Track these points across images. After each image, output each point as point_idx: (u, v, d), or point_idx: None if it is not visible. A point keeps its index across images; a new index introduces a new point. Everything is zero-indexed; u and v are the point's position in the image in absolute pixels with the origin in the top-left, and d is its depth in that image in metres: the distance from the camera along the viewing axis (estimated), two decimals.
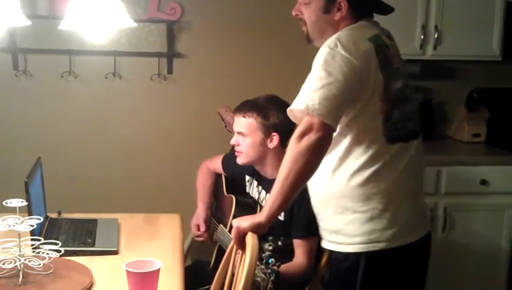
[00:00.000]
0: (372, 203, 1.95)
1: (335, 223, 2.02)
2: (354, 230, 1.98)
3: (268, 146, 2.49)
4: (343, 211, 1.99)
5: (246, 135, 2.51)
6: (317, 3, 2.01)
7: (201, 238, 2.83)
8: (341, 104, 1.85)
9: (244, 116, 2.51)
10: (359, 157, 1.94)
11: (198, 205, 2.86)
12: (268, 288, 1.88)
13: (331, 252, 2.07)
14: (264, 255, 1.96)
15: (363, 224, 1.97)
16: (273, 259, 1.93)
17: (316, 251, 2.36)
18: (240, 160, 2.57)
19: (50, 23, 3.25)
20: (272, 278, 1.89)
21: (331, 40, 1.91)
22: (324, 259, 2.30)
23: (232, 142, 2.57)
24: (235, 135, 2.56)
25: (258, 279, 1.88)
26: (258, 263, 1.89)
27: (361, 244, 1.97)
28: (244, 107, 2.53)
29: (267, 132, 2.48)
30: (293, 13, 2.08)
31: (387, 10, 2.08)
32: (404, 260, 2.02)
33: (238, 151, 2.57)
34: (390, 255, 1.98)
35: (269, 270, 1.89)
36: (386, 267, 1.99)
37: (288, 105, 2.45)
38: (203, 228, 2.80)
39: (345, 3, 1.98)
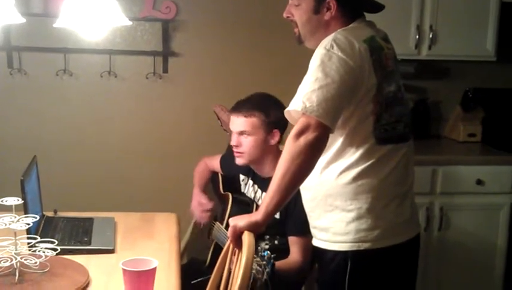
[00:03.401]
0: (358, 202, 1.96)
1: (324, 221, 2.04)
2: (340, 228, 1.99)
3: (270, 143, 2.49)
4: (332, 209, 2.01)
5: (249, 133, 2.48)
6: (307, 4, 2.01)
7: (204, 219, 2.81)
8: (338, 105, 1.86)
9: (245, 116, 2.48)
10: (349, 156, 1.96)
11: (194, 191, 2.86)
12: (263, 280, 1.88)
13: (321, 251, 2.08)
14: (259, 247, 1.96)
15: (349, 223, 1.98)
16: (268, 251, 1.93)
17: (312, 250, 2.36)
18: (241, 160, 2.54)
19: (45, 21, 3.25)
20: (267, 269, 1.89)
21: (327, 41, 1.91)
22: None
23: (232, 143, 2.54)
24: (234, 135, 2.53)
25: (254, 271, 1.87)
26: (254, 255, 1.89)
27: (347, 243, 1.99)
28: (244, 106, 2.51)
29: (268, 129, 2.48)
30: (284, 15, 2.09)
31: (378, 8, 2.09)
32: (391, 261, 2.02)
33: (239, 152, 2.53)
34: (377, 256, 1.99)
35: (264, 262, 1.89)
36: (372, 268, 2.00)
37: (280, 102, 2.46)
38: (209, 205, 2.77)
39: (334, 3, 1.99)
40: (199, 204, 2.81)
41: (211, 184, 2.95)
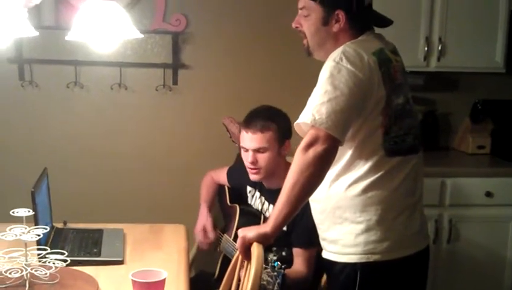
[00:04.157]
0: (368, 214, 1.96)
1: (334, 233, 2.03)
2: (350, 240, 1.99)
3: (282, 155, 2.50)
4: (342, 221, 2.00)
5: (266, 149, 2.46)
6: (316, 15, 2.02)
7: (205, 247, 2.82)
8: (348, 117, 1.86)
9: (261, 131, 2.45)
10: (358, 168, 1.96)
11: (201, 208, 2.85)
12: None
13: (330, 263, 2.08)
14: (269, 258, 1.96)
15: (358, 235, 1.98)
16: (279, 262, 1.93)
17: (318, 264, 2.35)
18: (257, 177, 2.52)
19: (56, 34, 3.27)
20: (278, 280, 1.89)
21: (336, 54, 1.92)
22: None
23: (249, 160, 2.49)
24: (250, 152, 2.49)
25: (264, 282, 1.88)
26: (264, 265, 1.89)
27: (356, 255, 1.98)
28: (258, 121, 2.47)
29: (281, 141, 2.48)
30: (293, 25, 2.10)
31: (386, 23, 2.09)
32: (401, 274, 2.02)
33: (256, 169, 2.49)
34: (386, 268, 1.99)
35: (275, 273, 1.89)
36: (382, 280, 2.00)
37: (282, 111, 2.46)
38: (211, 235, 2.77)
39: (342, 15, 1.99)
40: (203, 231, 2.80)
41: (217, 200, 2.95)
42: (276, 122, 2.48)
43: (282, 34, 3.53)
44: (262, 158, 2.48)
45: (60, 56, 3.47)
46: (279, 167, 2.49)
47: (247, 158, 2.51)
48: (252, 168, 2.51)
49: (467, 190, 3.39)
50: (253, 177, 2.53)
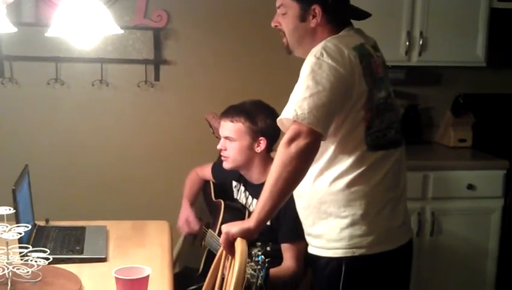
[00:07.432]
0: (352, 209, 1.97)
1: (318, 228, 2.04)
2: (334, 235, 2.00)
3: (256, 150, 2.51)
4: (326, 216, 2.01)
5: (233, 139, 2.51)
6: (293, 12, 2.03)
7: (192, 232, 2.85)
8: (330, 112, 1.86)
9: (231, 121, 2.51)
10: (341, 163, 1.97)
11: (183, 203, 2.88)
12: (258, 284, 1.88)
13: (314, 257, 2.09)
14: (253, 252, 1.96)
15: (343, 229, 1.99)
16: (262, 256, 1.94)
17: (306, 256, 2.37)
18: (227, 165, 2.58)
19: (36, 30, 3.24)
20: (261, 273, 1.89)
21: (317, 50, 1.92)
22: None
23: (218, 146, 2.58)
24: (222, 139, 2.57)
25: (248, 276, 1.88)
26: (248, 259, 1.89)
27: (341, 249, 1.99)
28: (232, 112, 2.54)
29: (254, 136, 2.49)
30: (272, 25, 2.11)
31: (363, 16, 2.11)
32: (385, 267, 2.03)
33: (224, 156, 2.57)
34: (371, 262, 2.00)
35: (259, 267, 1.90)
36: (367, 274, 2.01)
37: (273, 110, 2.49)
38: (195, 226, 2.80)
39: (319, 10, 2.00)
40: (186, 222, 2.83)
41: (201, 196, 2.95)
42: (251, 117, 2.50)
43: (264, 30, 3.49)
44: (231, 147, 2.53)
45: (40, 53, 3.44)
46: (253, 161, 2.53)
47: (218, 144, 2.59)
48: (221, 155, 2.59)
49: (449, 183, 3.42)
50: (223, 164, 2.59)
